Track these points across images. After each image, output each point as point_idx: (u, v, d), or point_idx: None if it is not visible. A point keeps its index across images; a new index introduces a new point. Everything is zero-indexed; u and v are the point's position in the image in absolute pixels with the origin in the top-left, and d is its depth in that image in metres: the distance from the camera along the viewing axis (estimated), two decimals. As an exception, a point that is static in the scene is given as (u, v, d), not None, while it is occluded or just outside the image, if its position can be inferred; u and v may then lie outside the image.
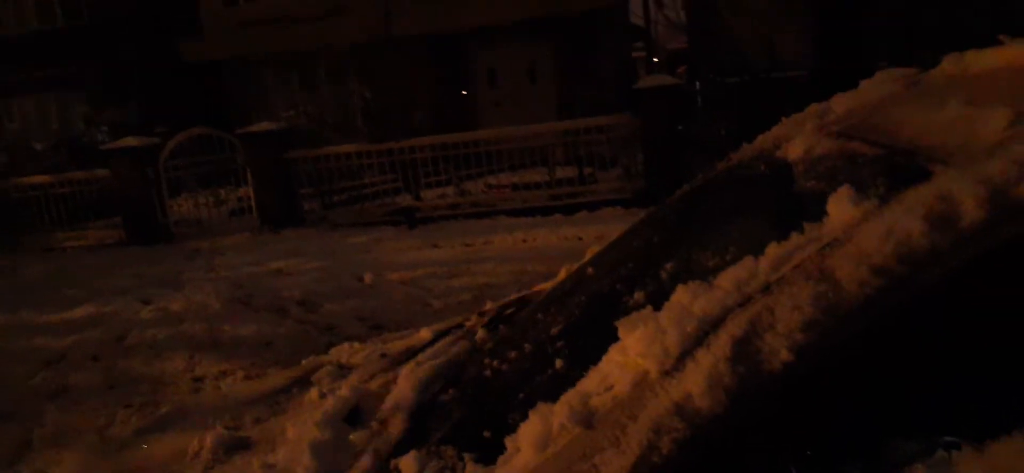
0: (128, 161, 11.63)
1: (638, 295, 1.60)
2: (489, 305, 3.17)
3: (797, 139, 1.82)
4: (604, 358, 1.29)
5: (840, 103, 1.97)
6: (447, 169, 11.52)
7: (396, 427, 1.88)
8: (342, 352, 3.14)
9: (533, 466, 1.22)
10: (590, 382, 1.28)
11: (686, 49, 18.46)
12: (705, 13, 13.97)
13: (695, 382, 1.11)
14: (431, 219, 10.92)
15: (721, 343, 1.14)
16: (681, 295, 1.26)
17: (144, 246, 11.54)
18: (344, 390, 2.25)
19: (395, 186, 11.87)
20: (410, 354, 2.62)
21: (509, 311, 2.79)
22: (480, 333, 2.52)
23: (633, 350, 1.22)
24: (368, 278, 8.16)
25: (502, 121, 14.48)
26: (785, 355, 1.10)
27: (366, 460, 1.75)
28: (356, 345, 3.21)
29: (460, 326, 2.91)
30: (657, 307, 1.28)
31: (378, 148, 11.43)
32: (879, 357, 1.10)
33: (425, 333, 2.88)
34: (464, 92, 17.84)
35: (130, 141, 11.72)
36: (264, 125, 11.86)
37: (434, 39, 16.90)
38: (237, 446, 2.12)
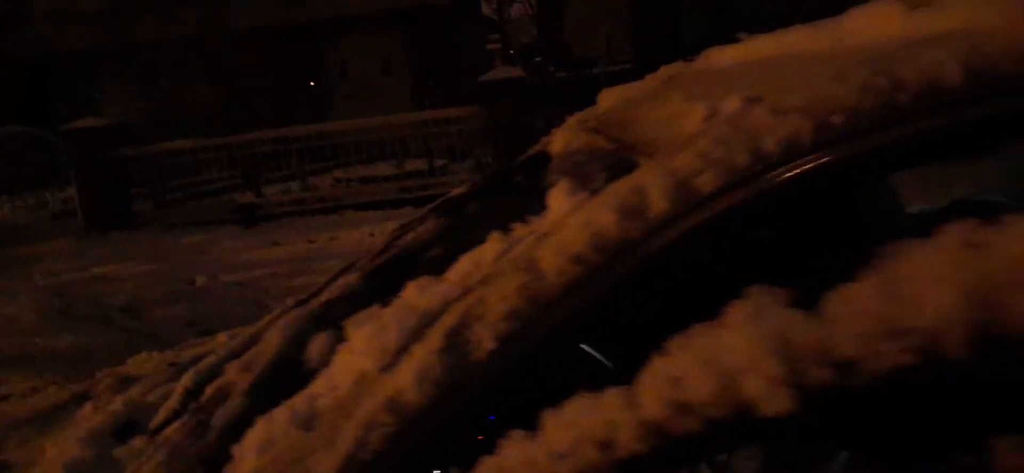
0: (-74, 162, 10.50)
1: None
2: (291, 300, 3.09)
3: (559, 133, 1.89)
4: (334, 358, 1.28)
5: (605, 98, 2.06)
6: (293, 164, 11.18)
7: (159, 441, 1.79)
8: (138, 362, 2.98)
9: (254, 470, 1.20)
10: (319, 384, 1.27)
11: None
12: (551, 7, 14.27)
13: (406, 376, 1.13)
14: (274, 216, 10.56)
15: (435, 336, 1.16)
16: (410, 291, 1.27)
17: (-49, 254, 10.46)
18: (117, 403, 2.13)
19: (237, 183, 11.40)
20: (201, 361, 2.51)
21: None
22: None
23: (357, 348, 1.22)
24: (201, 281, 7.79)
25: (355, 114, 14.19)
26: (489, 343, 1.13)
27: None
28: (155, 354, 3.05)
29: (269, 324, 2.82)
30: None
31: (216, 142, 10.93)
32: (581, 340, 1.15)
33: (222, 338, 2.78)
34: (312, 84, 17.36)
35: (-74, 140, 10.58)
36: (91, 121, 11.05)
37: (281, 30, 16.32)
38: (-9, 471, 1.96)
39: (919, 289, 0.83)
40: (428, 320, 1.20)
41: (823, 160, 1.16)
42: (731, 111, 1.26)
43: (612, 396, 1.00)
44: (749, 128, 1.20)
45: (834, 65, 1.27)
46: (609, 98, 2.08)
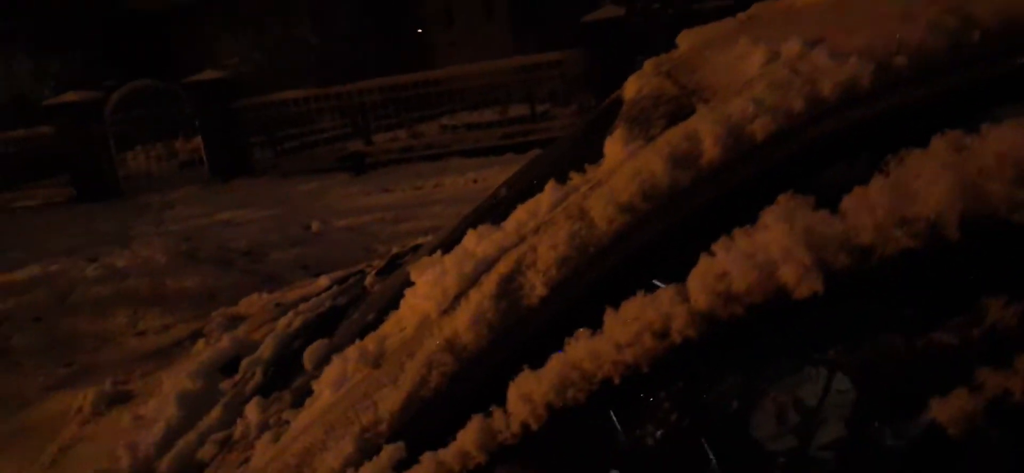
0: (70, 117, 11.43)
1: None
2: (395, 249, 3.23)
3: (633, 78, 1.88)
4: (402, 301, 1.36)
5: (684, 39, 2.03)
6: (399, 112, 11.46)
7: (256, 377, 1.95)
8: (250, 303, 3.20)
9: (326, 406, 1.30)
10: (388, 325, 1.36)
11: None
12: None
13: (463, 319, 1.19)
14: (383, 163, 10.90)
15: (490, 281, 1.21)
16: (469, 238, 1.33)
17: (94, 203, 11.42)
18: (224, 341, 2.32)
19: (347, 132, 11.82)
20: (303, 302, 2.68)
21: (405, 258, 2.85)
22: (370, 279, 2.59)
23: (420, 292, 1.29)
24: (315, 226, 8.18)
25: (458, 60, 14.32)
26: (541, 290, 1.17)
27: (218, 408, 1.83)
28: (264, 295, 3.27)
29: (362, 273, 2.98)
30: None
31: (326, 92, 11.33)
32: (629, 291, 1.17)
33: (323, 281, 2.95)
34: (419, 31, 17.61)
35: (70, 96, 11.51)
36: (209, 73, 11.68)
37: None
38: (117, 400, 2.19)
39: (919, 185, 0.97)
40: (485, 267, 1.25)
41: (884, 105, 1.12)
42: (790, 54, 1.23)
43: (666, 293, 1.07)
44: (807, 72, 1.18)
45: (903, 3, 1.22)
46: (687, 39, 2.04)
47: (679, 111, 1.39)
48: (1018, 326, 0.98)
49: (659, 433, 1.17)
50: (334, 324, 2.21)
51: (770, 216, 1.04)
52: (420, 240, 3.15)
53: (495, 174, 9.49)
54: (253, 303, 3.16)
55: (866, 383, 1.15)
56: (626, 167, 1.22)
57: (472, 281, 1.24)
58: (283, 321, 2.36)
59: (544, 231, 1.24)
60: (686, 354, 1.06)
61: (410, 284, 1.34)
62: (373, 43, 15.49)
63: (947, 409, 0.97)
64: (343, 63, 13.42)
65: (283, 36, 16.83)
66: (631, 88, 1.85)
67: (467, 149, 10.74)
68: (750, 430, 1.19)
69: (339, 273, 3.07)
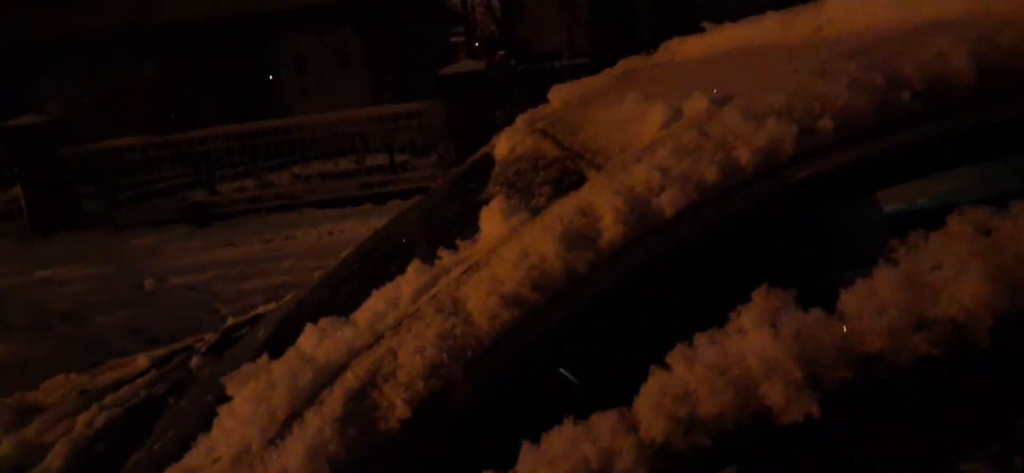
0: None
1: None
2: (231, 321, 2.84)
3: (504, 135, 1.66)
4: (215, 421, 1.04)
5: (556, 95, 1.84)
6: (248, 161, 10.81)
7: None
8: (51, 387, 2.69)
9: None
10: (198, 453, 1.03)
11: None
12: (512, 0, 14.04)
13: (296, 453, 0.89)
14: (229, 215, 10.19)
15: (334, 399, 0.93)
16: (308, 336, 1.04)
17: None
18: (3, 445, 1.87)
19: (190, 181, 11.01)
20: (115, 389, 2.25)
21: (241, 332, 2.48)
22: (197, 360, 2.20)
23: (238, 413, 0.98)
24: (149, 284, 7.43)
25: (310, 109, 13.80)
26: (402, 410, 0.90)
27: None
28: (73, 376, 2.77)
29: (189, 350, 2.56)
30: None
31: (167, 140, 10.52)
32: (519, 402, 0.93)
33: (141, 361, 2.51)
34: (270, 77, 16.91)
35: None
36: (31, 118, 10.56)
37: (234, 23, 15.82)
38: None
39: (941, 279, 0.80)
40: (327, 378, 0.96)
41: (808, 172, 0.95)
42: (696, 114, 1.05)
43: (606, 419, 0.82)
44: (718, 135, 0.99)
45: (816, 58, 1.06)
46: (560, 95, 1.85)
47: (564, 177, 1.18)
48: None
49: None
50: (148, 422, 1.82)
51: (747, 318, 0.83)
52: (260, 309, 2.78)
53: (352, 226, 9.06)
54: (55, 388, 2.65)
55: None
56: (509, 248, 0.98)
57: (310, 399, 0.95)
58: (83, 418, 1.93)
59: (406, 328, 0.97)
60: None
61: (226, 398, 1.03)
62: (220, 88, 14.66)
63: None
64: (187, 109, 12.56)
65: (121, 79, 15.56)
66: (503, 147, 1.63)
67: (322, 200, 10.25)
68: None
69: (161, 351, 2.63)
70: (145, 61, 15.28)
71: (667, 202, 0.95)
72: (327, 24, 16.40)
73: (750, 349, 0.80)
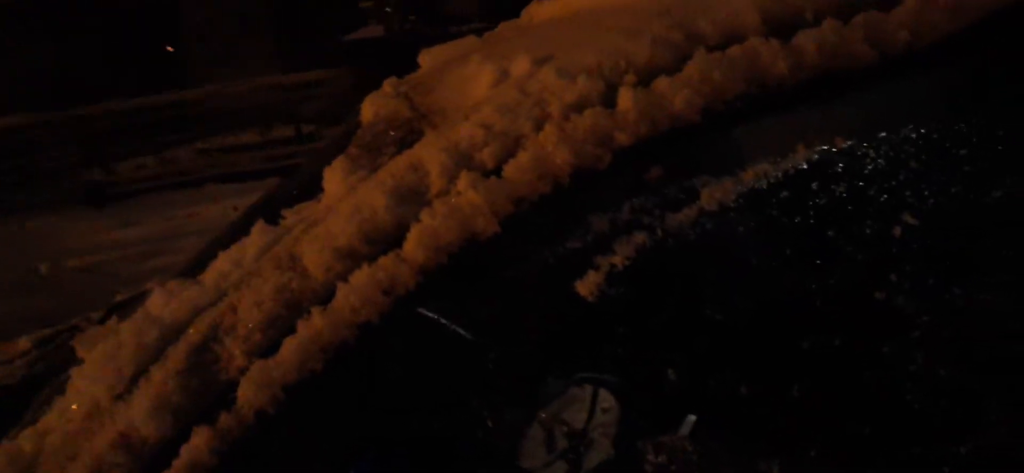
0: None
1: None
2: (118, 297, 2.81)
3: (370, 98, 1.71)
4: (68, 383, 1.08)
5: (425, 57, 1.90)
6: (148, 136, 10.42)
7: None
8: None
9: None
10: (52, 416, 1.07)
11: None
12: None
13: (141, 405, 0.94)
14: (128, 194, 9.82)
15: (178, 354, 0.98)
16: (155, 299, 1.08)
17: None
18: None
19: (86, 159, 10.52)
20: (-6, 371, 2.21)
21: (130, 308, 2.46)
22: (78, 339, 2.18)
23: (88, 373, 1.02)
24: (44, 268, 7.14)
25: (216, 80, 13.33)
26: (240, 360, 0.96)
27: None
28: (-49, 364, 2.69)
29: (74, 330, 2.53)
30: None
31: (59, 117, 10.02)
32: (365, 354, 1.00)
33: (24, 343, 2.46)
34: (170, 48, 16.22)
35: None
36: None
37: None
38: None
39: None
40: (173, 334, 1.01)
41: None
42: (519, 73, 1.13)
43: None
44: (535, 92, 1.07)
45: (630, 17, 1.16)
46: (429, 57, 1.91)
47: (409, 137, 1.24)
48: None
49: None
50: (23, 401, 1.81)
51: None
52: (149, 285, 2.75)
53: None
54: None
55: (629, 400, 1.08)
56: (345, 204, 1.05)
57: (155, 355, 1.00)
58: (-42, 402, 1.90)
59: (246, 284, 1.03)
60: None
61: (78, 361, 1.06)
62: (119, 61, 13.97)
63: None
64: (85, 84, 11.93)
65: (13, 53, 14.61)
66: (368, 110, 1.68)
67: (226, 174, 9.99)
68: (520, 461, 1.07)
69: (45, 332, 2.59)
70: (37, 33, 14.40)
71: (488, 156, 1.03)
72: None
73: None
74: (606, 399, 1.07)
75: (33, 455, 1.02)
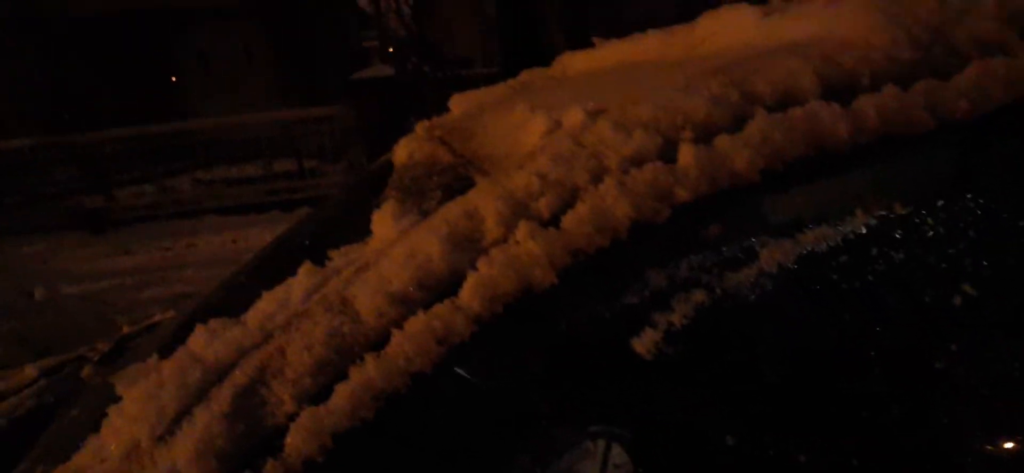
0: None
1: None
2: (125, 329, 2.77)
3: (403, 142, 1.70)
4: (104, 421, 1.05)
5: (457, 103, 1.90)
6: (148, 164, 10.42)
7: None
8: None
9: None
10: (86, 454, 1.04)
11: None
12: (424, 4, 14.01)
13: (185, 449, 0.92)
14: (126, 222, 9.78)
15: (223, 396, 0.95)
16: (198, 337, 1.05)
17: None
18: None
19: (84, 185, 10.49)
20: (1, 399, 2.16)
21: (137, 340, 2.42)
22: (88, 370, 2.14)
23: (128, 412, 0.99)
24: (39, 293, 7.05)
25: (215, 111, 13.36)
26: (290, 406, 0.94)
27: None
28: (-50, 390, 2.63)
29: (80, 359, 2.48)
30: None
31: (59, 141, 10.01)
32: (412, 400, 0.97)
33: (29, 371, 2.42)
34: (173, 79, 16.31)
35: None
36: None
37: (135, 17, 15.17)
38: None
39: None
40: (216, 376, 0.99)
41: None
42: (573, 124, 1.12)
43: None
44: (591, 144, 1.07)
45: (683, 74, 1.16)
46: (461, 103, 1.91)
47: (456, 182, 1.23)
48: None
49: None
50: (34, 432, 1.77)
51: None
52: (157, 317, 2.72)
53: (258, 234, 8.84)
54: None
55: (643, 456, 1.06)
56: (398, 248, 1.03)
57: (198, 396, 0.97)
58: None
59: (295, 327, 1.00)
60: None
61: (115, 399, 1.03)
62: (119, 88, 14.02)
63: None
64: (83, 108, 11.96)
65: (11, 74, 14.66)
66: (402, 153, 1.67)
67: (226, 206, 9.97)
68: None
69: (50, 361, 2.54)
70: (38, 57, 14.47)
71: (544, 206, 1.02)
72: (234, 22, 15.94)
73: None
74: (619, 454, 1.05)
75: (65, 496, 0.99)
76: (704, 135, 1.05)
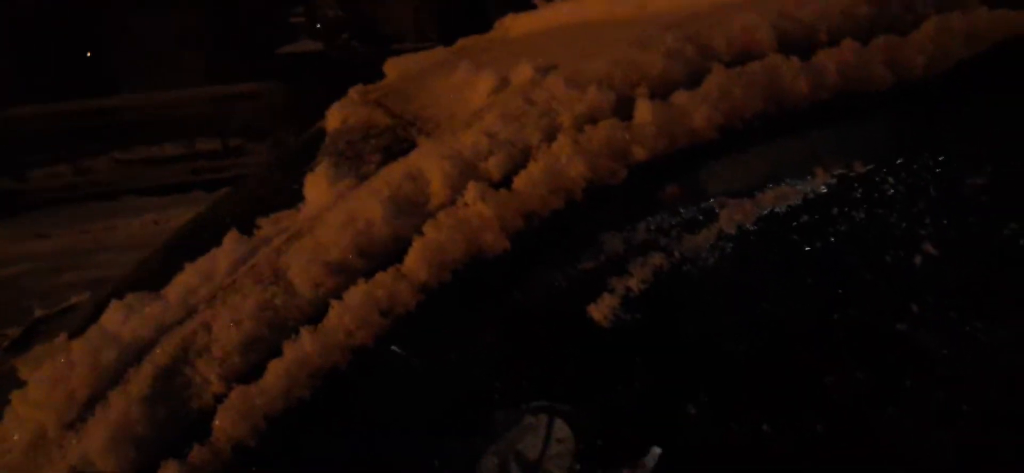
0: None
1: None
2: (39, 313, 2.59)
3: (336, 105, 1.61)
4: (7, 409, 0.94)
5: (392, 67, 1.81)
6: (64, 144, 9.91)
7: None
8: None
9: None
10: (-15, 445, 0.93)
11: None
12: (355, -20, 13.69)
13: (97, 436, 0.82)
14: (40, 204, 9.28)
15: (141, 378, 0.86)
16: (113, 313, 0.95)
17: None
18: None
19: (-6, 166, 9.92)
20: None
21: (50, 325, 2.27)
22: (-4, 357, 1.98)
23: (33, 397, 0.89)
24: (-52, 280, 6.64)
25: (141, 89, 12.79)
26: (217, 386, 0.85)
27: None
28: None
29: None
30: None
31: (-36, 121, 9.43)
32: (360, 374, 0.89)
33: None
34: (89, 54, 15.53)
35: None
36: None
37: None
38: None
39: None
40: (134, 355, 0.89)
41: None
42: (522, 82, 1.06)
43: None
44: (542, 102, 1.00)
45: (636, 31, 1.10)
46: (396, 67, 1.83)
47: (395, 145, 1.16)
48: None
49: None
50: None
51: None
52: (75, 299, 2.56)
53: (180, 214, 8.48)
54: None
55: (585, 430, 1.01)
56: (334, 214, 0.95)
57: (114, 378, 0.88)
58: None
59: (221, 301, 0.91)
60: None
61: (19, 384, 0.93)
62: (38, 65, 13.27)
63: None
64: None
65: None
66: (334, 118, 1.58)
67: (146, 187, 9.55)
68: None
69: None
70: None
71: (494, 166, 0.95)
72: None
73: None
74: (561, 429, 1.01)
75: (-38, 493, 0.88)
76: (661, 91, 1.00)
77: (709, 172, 1.00)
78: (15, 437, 0.89)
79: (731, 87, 0.97)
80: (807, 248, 0.96)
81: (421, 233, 0.89)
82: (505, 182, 0.93)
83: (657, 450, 0.98)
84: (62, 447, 0.84)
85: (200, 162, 10.00)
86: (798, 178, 0.98)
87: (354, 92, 1.67)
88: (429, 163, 0.96)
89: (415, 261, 0.88)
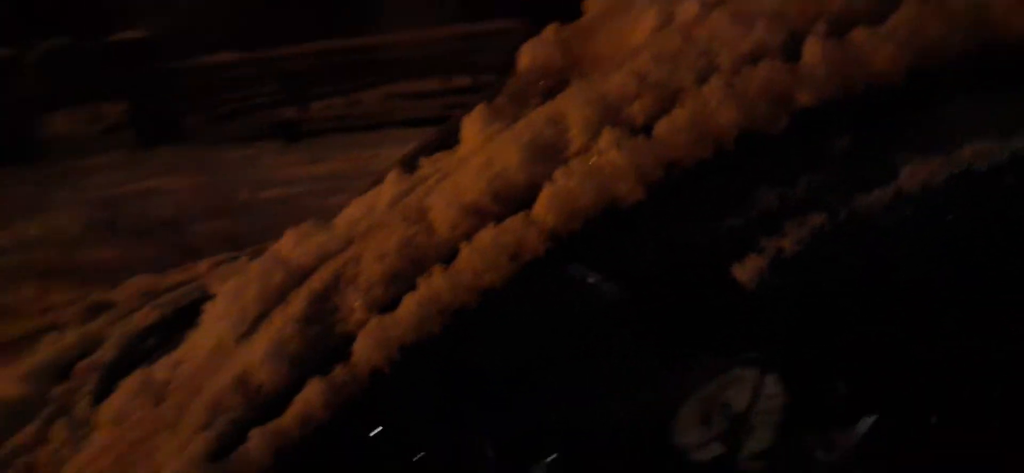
0: (-18, 74, 10.70)
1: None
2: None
3: (528, 45, 1.61)
4: (201, 318, 1.08)
5: (593, 2, 1.76)
6: (339, 79, 11.02)
7: (89, 385, 1.66)
8: (128, 287, 2.87)
9: (105, 444, 1.02)
10: (186, 347, 1.08)
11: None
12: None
13: (260, 349, 0.92)
14: (318, 132, 10.45)
15: (299, 300, 0.95)
16: (286, 240, 1.05)
17: (10, 166, 10.72)
18: (69, 336, 2.02)
19: (281, 98, 11.31)
20: (177, 288, 2.38)
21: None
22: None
23: (217, 310, 1.02)
24: (243, 196, 7.75)
25: (410, 27, 13.74)
26: (360, 313, 0.91)
27: (35, 424, 1.53)
28: (145, 277, 2.94)
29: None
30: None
31: (260, 56, 10.79)
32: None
33: (204, 265, 2.63)
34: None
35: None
36: (132, 32, 11.04)
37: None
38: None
39: None
40: (298, 278, 0.98)
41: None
42: (686, 17, 0.98)
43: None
44: (703, 40, 0.92)
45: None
46: (597, 2, 1.77)
47: (558, 87, 1.13)
48: None
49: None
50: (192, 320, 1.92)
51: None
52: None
53: (435, 145, 9.12)
54: (130, 288, 2.83)
55: (797, 389, 0.94)
56: (478, 157, 0.96)
57: (279, 298, 0.97)
58: (140, 314, 2.05)
59: (373, 235, 0.97)
60: None
61: (210, 296, 1.06)
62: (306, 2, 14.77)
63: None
64: (274, 25, 12.75)
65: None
66: (525, 58, 1.58)
67: (406, 119, 10.34)
68: (672, 436, 0.96)
69: (224, 256, 2.75)
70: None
71: (638, 111, 0.90)
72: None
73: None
74: (772, 385, 0.93)
75: (163, 383, 1.03)
76: (841, 29, 0.87)
77: (890, 122, 0.86)
78: (202, 342, 1.03)
79: (926, 22, 0.82)
80: (1010, 216, 0.80)
81: (552, 180, 0.87)
82: (646, 129, 0.88)
83: (870, 418, 0.90)
84: (233, 356, 0.95)
85: (454, 97, 10.60)
86: (1006, 134, 0.81)
87: (549, 30, 1.65)
88: (572, 107, 0.93)
89: (544, 207, 0.86)
